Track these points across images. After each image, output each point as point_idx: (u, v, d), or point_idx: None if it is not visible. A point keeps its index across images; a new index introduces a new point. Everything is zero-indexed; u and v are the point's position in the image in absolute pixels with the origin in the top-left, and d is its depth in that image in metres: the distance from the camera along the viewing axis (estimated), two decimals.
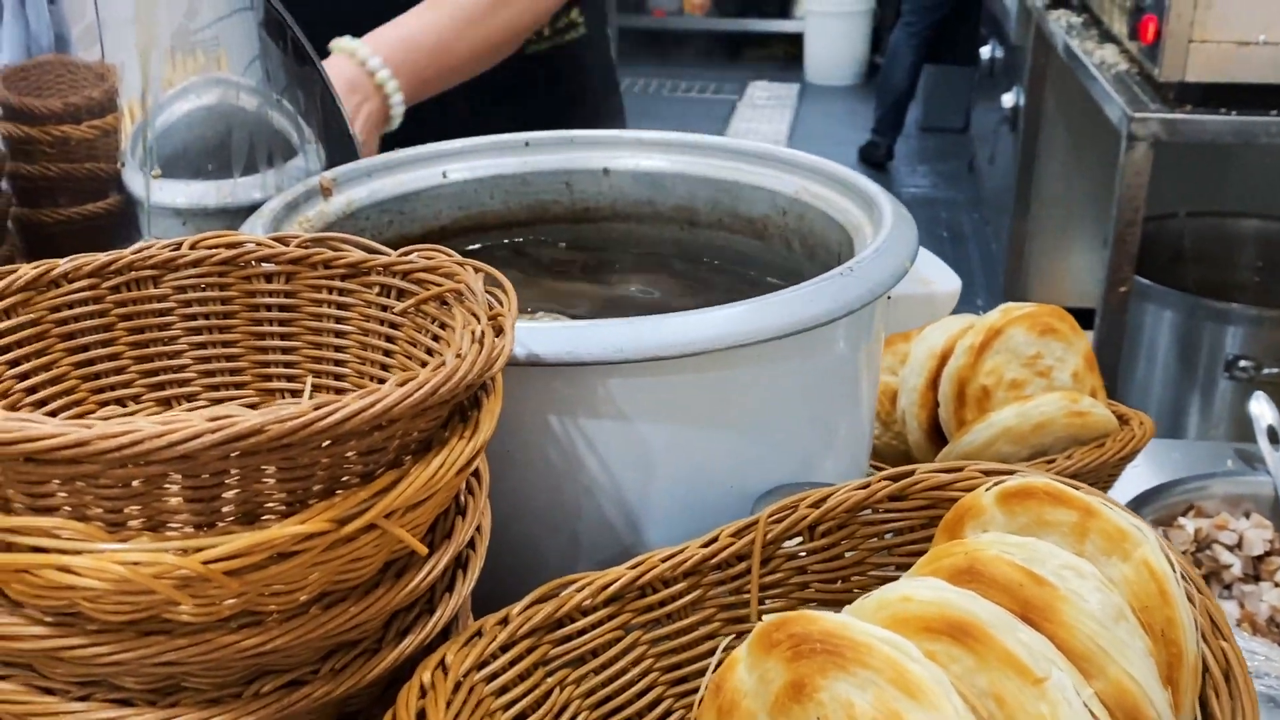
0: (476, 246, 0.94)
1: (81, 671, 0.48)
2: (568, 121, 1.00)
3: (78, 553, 0.44)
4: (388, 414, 0.46)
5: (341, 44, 1.07)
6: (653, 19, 6.39)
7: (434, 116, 1.09)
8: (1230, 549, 1.02)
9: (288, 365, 0.64)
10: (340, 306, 0.63)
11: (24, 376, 0.59)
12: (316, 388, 0.64)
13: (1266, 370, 2.02)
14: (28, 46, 0.84)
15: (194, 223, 0.86)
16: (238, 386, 0.64)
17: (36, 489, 0.45)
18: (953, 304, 0.84)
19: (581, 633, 0.58)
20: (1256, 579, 1.00)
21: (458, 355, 0.50)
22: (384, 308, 0.62)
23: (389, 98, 1.04)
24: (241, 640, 0.47)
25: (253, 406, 0.64)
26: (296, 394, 0.64)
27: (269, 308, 0.64)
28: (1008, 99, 3.21)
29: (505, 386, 0.56)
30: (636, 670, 0.60)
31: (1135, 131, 1.95)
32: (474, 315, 0.56)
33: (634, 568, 0.60)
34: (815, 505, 0.62)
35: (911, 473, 0.62)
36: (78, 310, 0.61)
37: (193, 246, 0.63)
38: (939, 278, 0.83)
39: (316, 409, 0.44)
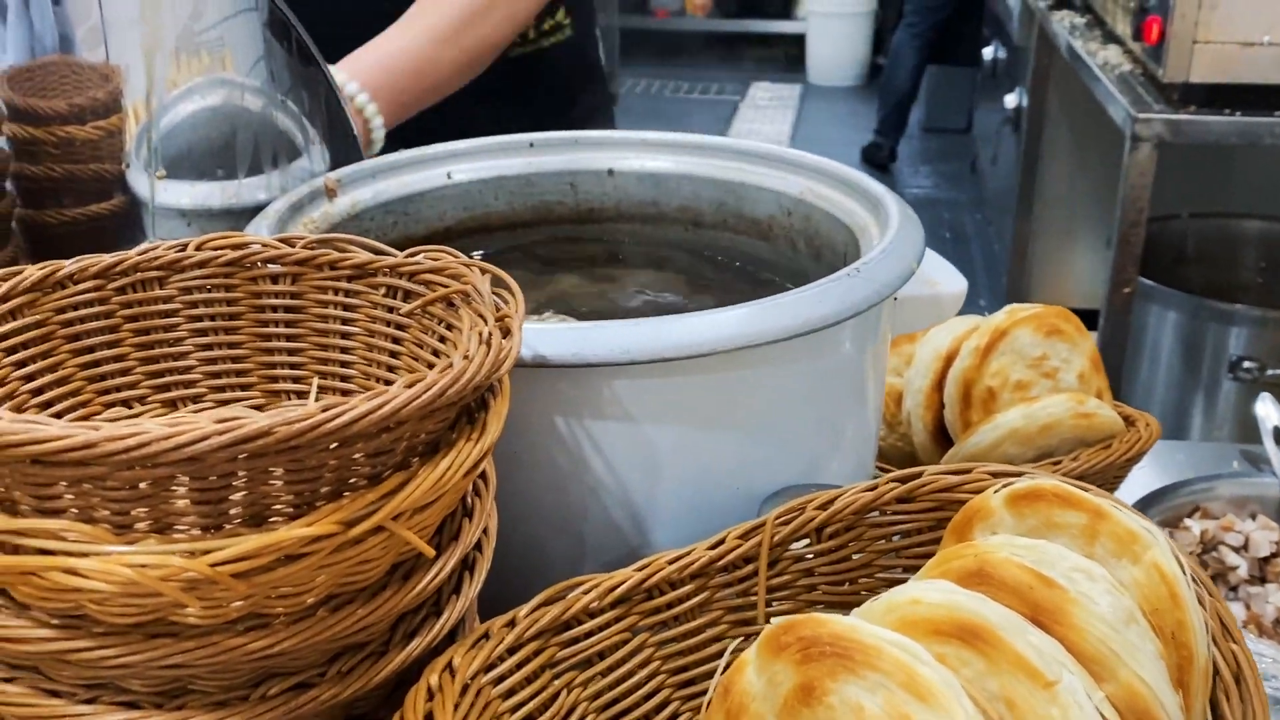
0: (480, 253, 0.94)
1: (88, 674, 0.48)
2: (553, 124, 0.99)
3: (84, 555, 0.44)
4: (395, 416, 0.45)
5: None
6: (655, 20, 6.39)
7: (416, 121, 1.09)
8: (1236, 550, 1.02)
9: (293, 367, 0.64)
10: (346, 308, 0.63)
11: (30, 378, 0.58)
12: (322, 389, 0.63)
13: (1270, 371, 2.01)
14: (32, 47, 0.84)
15: (198, 224, 0.86)
16: (243, 388, 0.64)
17: (43, 491, 0.44)
18: (959, 305, 0.84)
19: (588, 635, 0.58)
20: (1263, 580, 1.00)
21: (465, 357, 0.50)
22: (390, 309, 0.62)
23: (369, 122, 1.03)
24: (249, 643, 0.47)
25: (258, 408, 0.64)
26: (302, 395, 0.64)
27: (275, 309, 0.63)
28: (1010, 100, 3.21)
29: (511, 387, 0.55)
30: (643, 673, 0.60)
31: (1139, 132, 1.95)
32: (481, 317, 0.55)
33: (641, 570, 0.60)
34: (823, 507, 0.62)
35: (919, 474, 0.62)
36: (83, 311, 0.60)
37: (198, 248, 0.63)
38: (945, 279, 0.83)
39: (324, 411, 0.44)
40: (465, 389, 0.48)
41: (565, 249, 0.96)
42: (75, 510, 0.45)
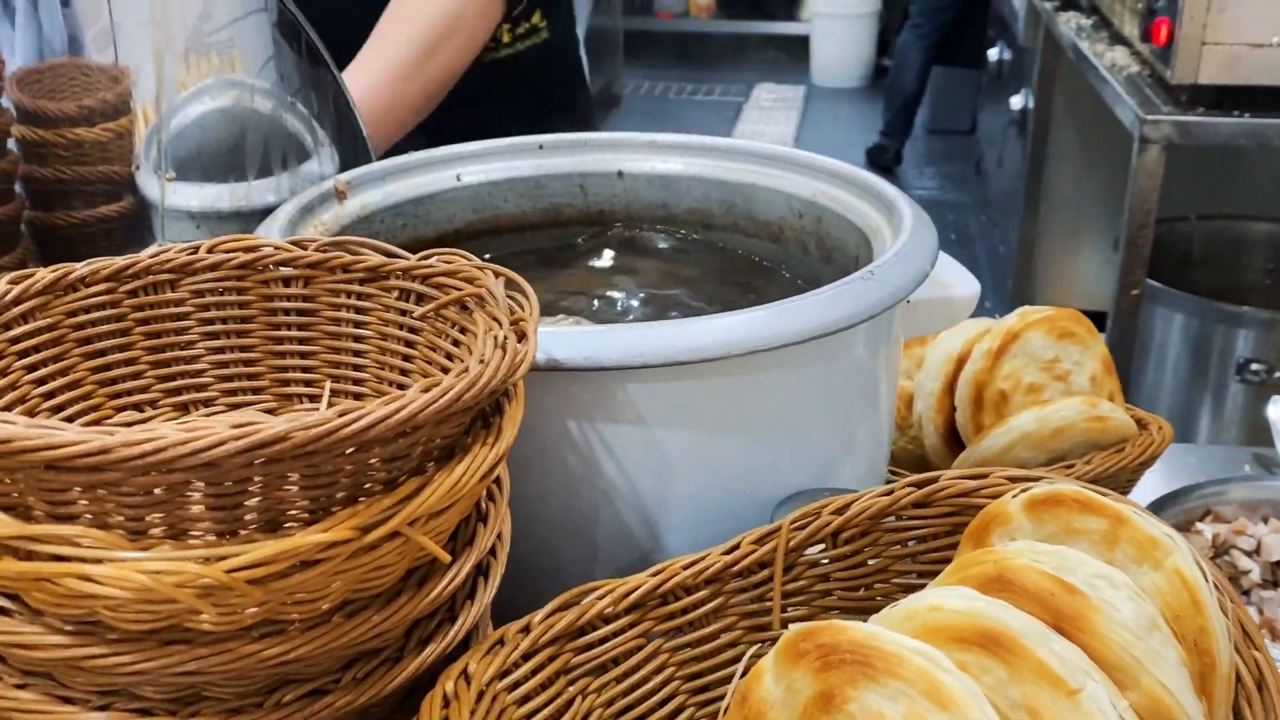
0: (488, 255, 0.94)
1: (102, 681, 0.48)
2: (530, 128, 0.99)
3: (99, 561, 0.43)
4: (412, 420, 0.45)
5: None
6: (658, 21, 6.39)
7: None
8: (1248, 554, 1.01)
9: (306, 370, 0.64)
10: (359, 311, 0.62)
11: (41, 381, 0.58)
12: (335, 393, 0.63)
13: (1278, 374, 2.01)
14: (40, 49, 0.84)
15: (207, 226, 0.86)
16: (255, 391, 0.64)
17: (57, 496, 0.44)
18: (971, 308, 0.84)
19: (603, 641, 0.58)
20: (1275, 585, 0.99)
21: (481, 361, 0.50)
22: (403, 312, 0.61)
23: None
24: (263, 649, 0.47)
25: (270, 411, 0.64)
26: (314, 399, 0.64)
27: (287, 312, 0.63)
28: (1016, 101, 3.20)
29: (524, 391, 0.55)
30: (658, 679, 0.59)
31: (1147, 134, 1.94)
32: (496, 320, 0.55)
33: (655, 575, 0.59)
34: (838, 512, 0.62)
35: (936, 479, 0.61)
36: (95, 315, 0.60)
37: (210, 250, 0.62)
38: (958, 281, 0.83)
39: (341, 416, 0.43)
40: (481, 394, 0.48)
41: (575, 251, 0.96)
42: (89, 516, 0.44)
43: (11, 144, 0.82)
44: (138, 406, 0.62)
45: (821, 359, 0.70)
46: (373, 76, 1.09)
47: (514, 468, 0.61)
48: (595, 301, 0.88)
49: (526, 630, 0.56)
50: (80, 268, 0.60)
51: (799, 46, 6.18)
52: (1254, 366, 2.03)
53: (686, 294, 0.90)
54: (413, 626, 0.53)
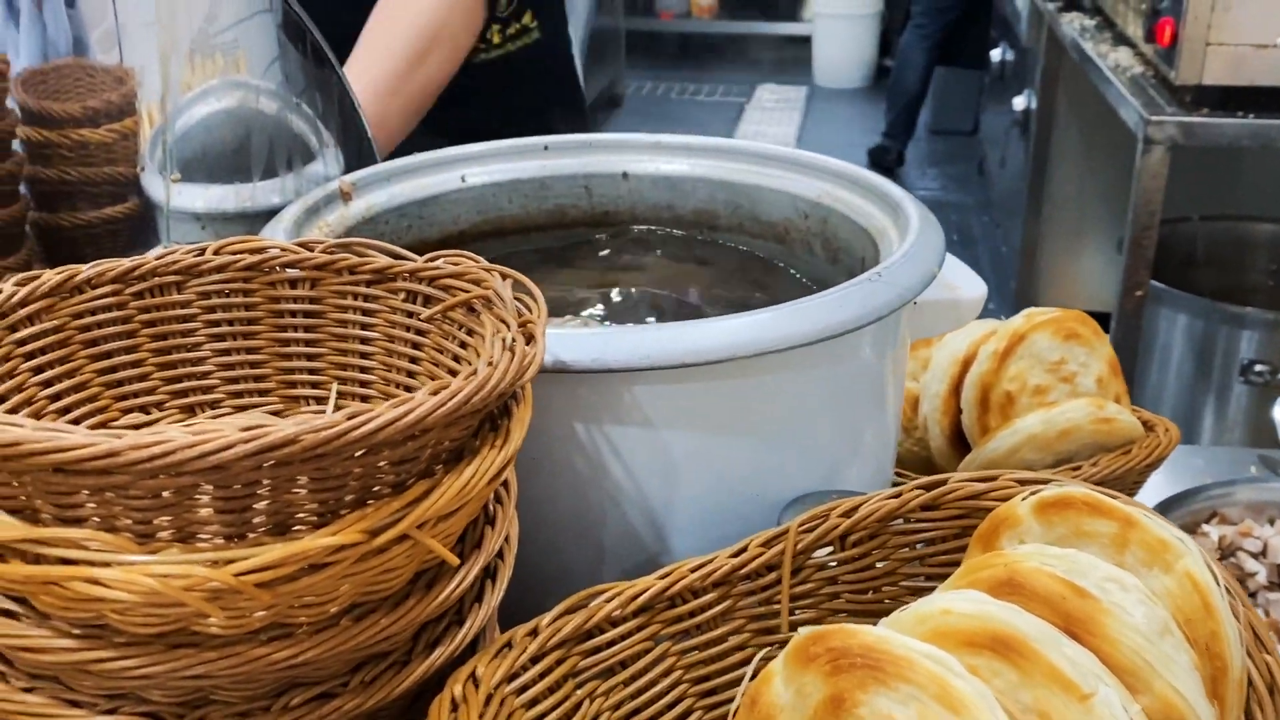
0: (493, 257, 0.93)
1: (109, 684, 0.47)
2: (522, 128, 0.99)
3: (107, 564, 0.43)
4: (421, 423, 0.45)
5: None
6: (660, 21, 6.38)
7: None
8: (1254, 556, 1.01)
9: (312, 373, 0.64)
10: (366, 313, 0.62)
11: (48, 383, 0.58)
12: (341, 395, 0.63)
13: None
14: (45, 50, 0.84)
15: (213, 227, 0.86)
16: (262, 394, 0.64)
17: (65, 499, 0.44)
18: (978, 309, 0.84)
19: (611, 644, 0.58)
20: None
21: (490, 364, 0.49)
22: (410, 314, 0.61)
23: None
24: (272, 653, 0.46)
25: (277, 414, 0.64)
26: (321, 401, 0.63)
27: (293, 314, 0.63)
28: (1019, 102, 3.20)
29: (531, 393, 0.55)
30: (666, 682, 0.59)
31: (1152, 135, 1.94)
32: (503, 322, 0.55)
33: (663, 578, 0.59)
34: (846, 515, 0.61)
35: (944, 482, 0.61)
36: (101, 316, 0.60)
37: (216, 252, 0.62)
38: (964, 283, 0.83)
39: (350, 418, 0.43)
40: (490, 396, 0.48)
41: (580, 252, 0.95)
42: (97, 519, 0.44)
43: (16, 145, 0.81)
44: (144, 409, 0.62)
45: (829, 361, 0.70)
46: (361, 92, 1.09)
47: (520, 469, 0.61)
48: (600, 303, 0.88)
49: (534, 633, 0.55)
50: (86, 269, 0.59)
51: (801, 47, 6.17)
52: (1258, 368, 2.03)
53: (691, 296, 0.90)
54: (421, 629, 0.53)
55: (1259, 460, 1.17)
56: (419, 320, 0.61)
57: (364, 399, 0.63)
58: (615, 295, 0.89)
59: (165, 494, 0.43)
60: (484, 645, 0.57)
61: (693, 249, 0.95)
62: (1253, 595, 0.99)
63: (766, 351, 0.65)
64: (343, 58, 1.11)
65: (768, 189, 0.93)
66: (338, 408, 0.63)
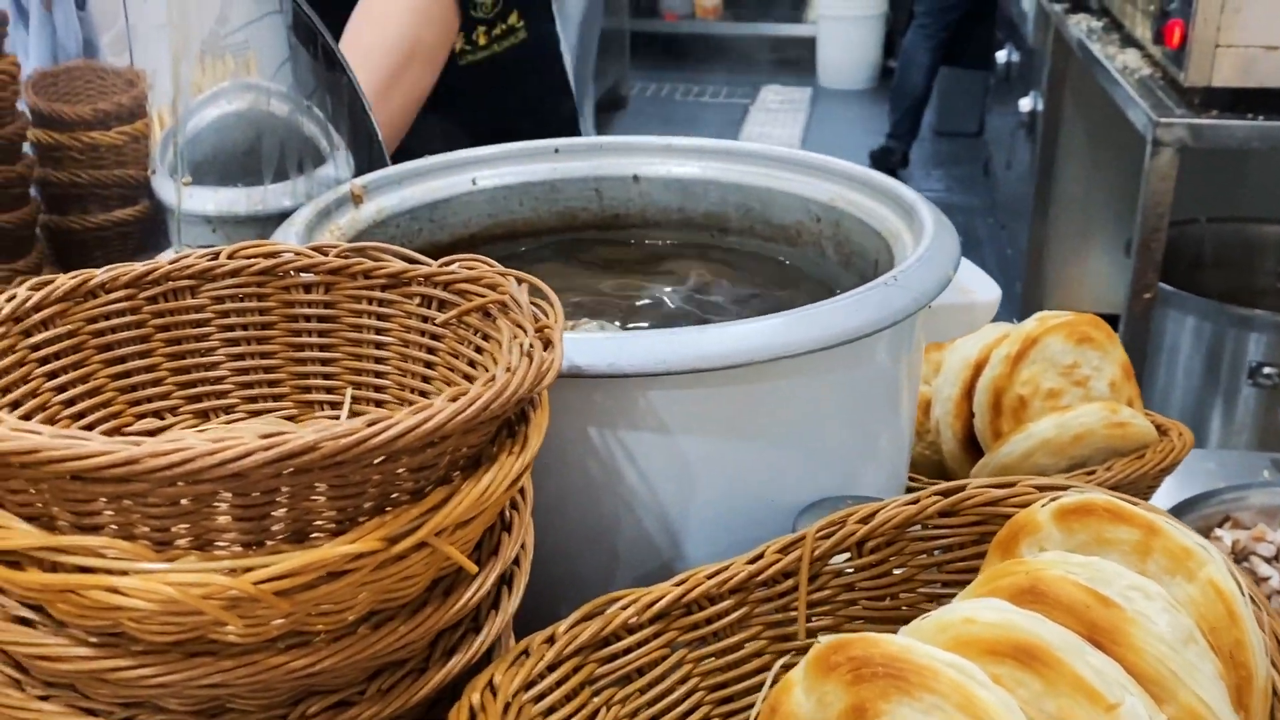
0: (506, 253, 0.93)
1: (125, 693, 0.47)
2: (513, 129, 0.98)
3: (124, 573, 0.43)
4: (441, 430, 0.44)
5: None
6: (664, 23, 6.38)
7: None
8: (1268, 561, 1.01)
9: (326, 377, 0.63)
10: (380, 317, 0.62)
11: (62, 388, 0.58)
12: (356, 400, 0.63)
13: None
14: (55, 53, 0.84)
15: (224, 230, 0.85)
16: (276, 398, 0.63)
17: (82, 507, 0.44)
18: (992, 313, 0.83)
19: (627, 651, 0.57)
20: None
21: (508, 369, 0.49)
22: (425, 319, 0.61)
23: None
24: (289, 661, 0.46)
25: (291, 419, 0.63)
26: (335, 406, 0.63)
27: (308, 318, 0.63)
28: (1025, 103, 3.19)
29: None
30: (682, 689, 0.59)
31: (1161, 137, 1.93)
32: (520, 327, 0.55)
33: (679, 585, 0.59)
34: (864, 521, 0.61)
35: (962, 488, 0.61)
36: (115, 321, 0.60)
37: (230, 256, 0.62)
38: (979, 287, 0.82)
39: (370, 425, 0.43)
40: (509, 403, 0.47)
41: (590, 255, 0.95)
42: (115, 526, 0.44)
43: (27, 148, 0.81)
44: (158, 414, 0.62)
45: (844, 366, 0.69)
46: None
47: (534, 475, 0.61)
48: (611, 307, 0.87)
49: (551, 641, 0.55)
50: (100, 274, 0.59)
51: (805, 48, 6.17)
52: (1266, 370, 2.02)
53: (699, 299, 0.90)
54: (438, 637, 0.52)
55: (1271, 464, 1.16)
56: (434, 325, 0.60)
57: (378, 404, 0.63)
58: (623, 299, 0.89)
59: (184, 501, 0.43)
60: (500, 653, 0.56)
61: (707, 252, 0.94)
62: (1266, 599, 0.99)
63: (781, 356, 0.65)
64: None
65: (779, 192, 0.92)
66: (352, 413, 0.63)
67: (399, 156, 0.96)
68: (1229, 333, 2.06)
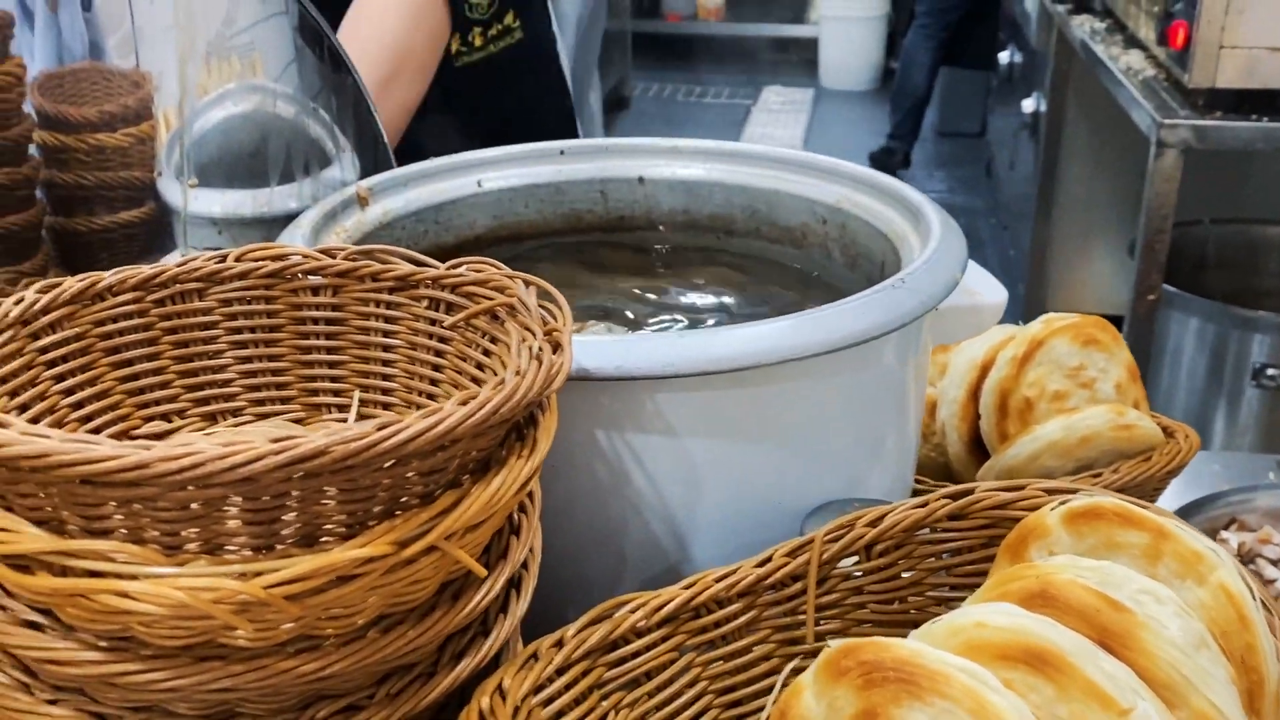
0: (511, 255, 0.93)
1: (135, 697, 0.47)
2: (509, 129, 0.98)
3: (134, 577, 0.43)
4: (451, 434, 0.44)
5: None
6: (666, 24, 6.38)
7: None
8: (1274, 563, 1.00)
9: (334, 380, 0.63)
10: (388, 320, 0.62)
11: (70, 391, 0.57)
12: (364, 403, 0.63)
13: None
14: (60, 54, 0.84)
15: (230, 232, 0.85)
16: (283, 401, 0.63)
17: (92, 511, 0.44)
18: (999, 315, 0.83)
19: (636, 655, 0.57)
20: None
21: (517, 373, 0.49)
22: (433, 321, 0.61)
23: None
24: (299, 665, 0.46)
25: (298, 422, 0.63)
26: (343, 409, 0.63)
27: (315, 321, 0.63)
28: (1028, 104, 3.19)
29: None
30: (691, 693, 0.59)
31: (1165, 138, 1.93)
32: (529, 330, 0.54)
33: (688, 588, 0.59)
34: (872, 524, 0.61)
35: (971, 491, 0.61)
36: (122, 324, 0.60)
37: (238, 259, 0.62)
38: (986, 289, 0.82)
39: (380, 429, 0.43)
40: (519, 406, 0.47)
41: (595, 257, 0.95)
42: (124, 531, 0.44)
43: (33, 149, 0.81)
44: (165, 417, 0.61)
45: (851, 369, 0.69)
46: None
47: (541, 478, 0.61)
48: (616, 310, 0.87)
49: (559, 644, 0.55)
50: (108, 276, 0.59)
51: (807, 49, 6.17)
52: (1270, 372, 2.02)
53: (705, 302, 0.89)
54: (446, 641, 0.52)
55: (1277, 466, 1.16)
56: (442, 328, 0.60)
57: (386, 407, 0.62)
58: (628, 302, 0.89)
59: (193, 506, 0.43)
60: (508, 657, 0.56)
61: (713, 254, 0.94)
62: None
63: (788, 359, 0.65)
64: None
65: (785, 194, 0.92)
66: (360, 416, 0.62)
67: (400, 159, 0.96)
68: (1233, 334, 2.06)
